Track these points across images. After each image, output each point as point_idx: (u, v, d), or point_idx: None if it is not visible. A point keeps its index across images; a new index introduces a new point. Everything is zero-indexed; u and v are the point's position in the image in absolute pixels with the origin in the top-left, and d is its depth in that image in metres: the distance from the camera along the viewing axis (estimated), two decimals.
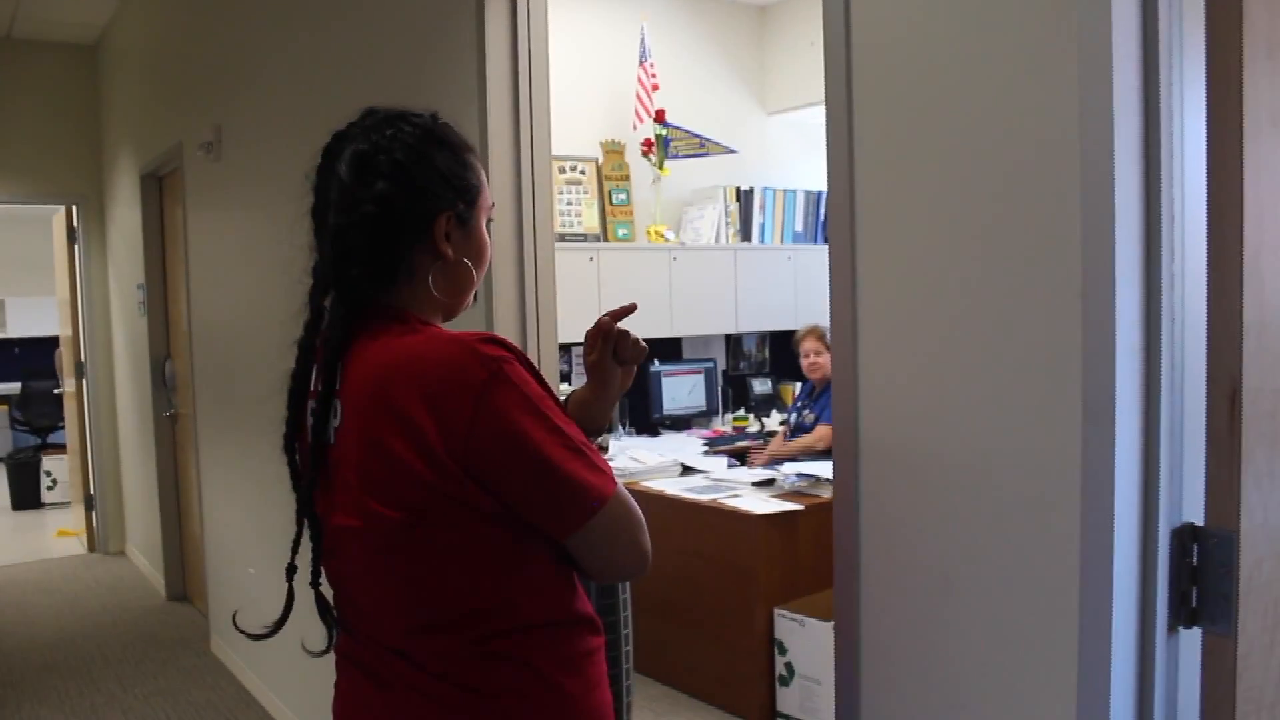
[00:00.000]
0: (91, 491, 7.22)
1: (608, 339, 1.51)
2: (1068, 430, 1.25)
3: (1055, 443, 1.27)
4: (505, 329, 2.43)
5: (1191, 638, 1.28)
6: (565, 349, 5.15)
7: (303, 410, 1.41)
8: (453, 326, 1.41)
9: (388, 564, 1.31)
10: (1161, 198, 1.20)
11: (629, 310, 1.54)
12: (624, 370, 1.54)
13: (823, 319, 5.79)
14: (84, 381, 7.14)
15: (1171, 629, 1.27)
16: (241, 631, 1.49)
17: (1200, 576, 1.26)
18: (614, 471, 1.34)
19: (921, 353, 1.44)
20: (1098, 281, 1.20)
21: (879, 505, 1.51)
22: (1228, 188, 1.23)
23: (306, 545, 1.39)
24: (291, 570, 1.43)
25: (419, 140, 1.38)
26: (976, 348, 1.36)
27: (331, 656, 1.45)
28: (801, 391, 5.33)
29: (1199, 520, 1.27)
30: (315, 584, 1.38)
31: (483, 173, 1.44)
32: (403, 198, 1.35)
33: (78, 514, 7.50)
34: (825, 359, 5.02)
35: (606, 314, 1.52)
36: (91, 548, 7.25)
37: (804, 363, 5.11)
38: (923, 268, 1.43)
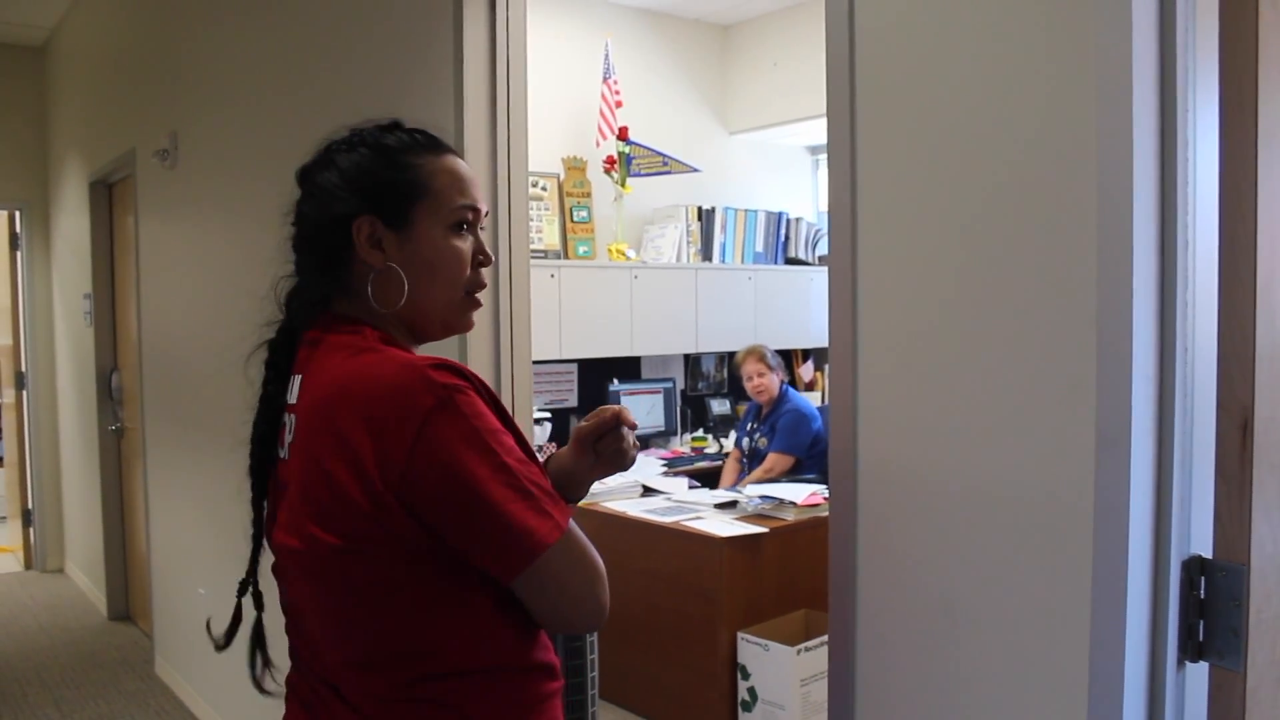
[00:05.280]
0: (29, 506, 6.99)
1: (602, 425, 1.42)
2: (1079, 456, 1.23)
3: (1066, 468, 1.25)
4: (478, 346, 2.37)
5: (1198, 672, 1.26)
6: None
7: (276, 423, 1.35)
8: (437, 350, 1.34)
9: (323, 591, 1.26)
10: (1177, 223, 1.19)
11: (629, 425, 1.43)
12: (598, 463, 1.44)
13: (782, 340, 5.79)
14: (24, 392, 6.93)
15: (1179, 663, 1.24)
16: (210, 635, 1.45)
17: (1207, 610, 1.24)
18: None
19: (925, 374, 1.41)
20: (1115, 307, 1.18)
21: (878, 530, 1.47)
22: (1241, 215, 1.22)
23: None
24: (245, 586, 1.39)
25: (338, 148, 1.36)
26: (985, 370, 1.33)
27: (283, 685, 1.40)
28: (748, 413, 5.27)
29: (1206, 552, 1.25)
30: (258, 606, 1.36)
31: (447, 174, 1.34)
32: (311, 207, 1.35)
33: (14, 529, 7.26)
34: (769, 379, 4.99)
35: (623, 412, 1.42)
36: (28, 565, 7.02)
37: (748, 385, 5.08)
38: (927, 286, 1.40)
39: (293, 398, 1.31)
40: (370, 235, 1.30)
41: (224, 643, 1.40)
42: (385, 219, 1.31)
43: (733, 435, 5.95)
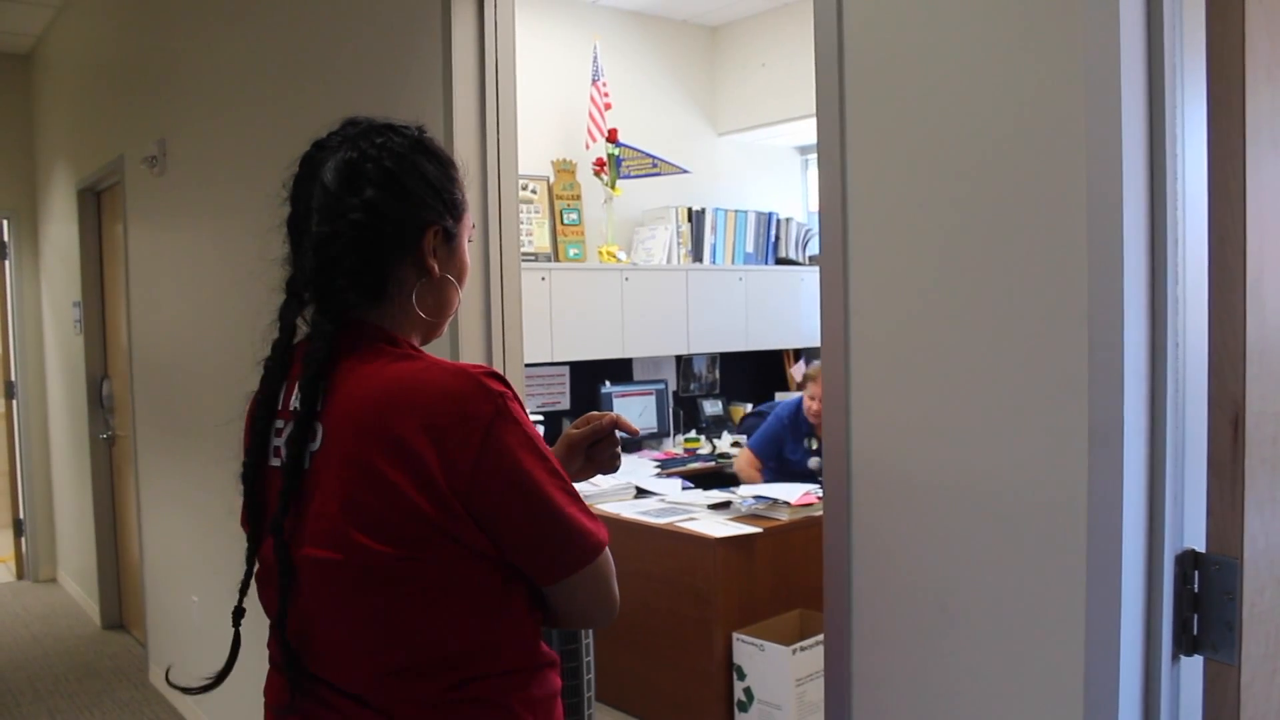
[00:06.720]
0: (21, 516, 6.97)
1: (598, 431, 1.53)
2: (1072, 452, 1.23)
3: (1059, 466, 1.25)
4: (470, 350, 2.37)
5: (1193, 666, 1.27)
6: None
7: (268, 434, 1.33)
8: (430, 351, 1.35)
9: (366, 601, 1.22)
10: (1167, 220, 1.19)
11: (630, 431, 1.60)
12: (587, 466, 1.57)
13: (773, 340, 5.77)
14: (14, 402, 6.91)
15: (1174, 657, 1.25)
16: (176, 687, 1.40)
17: (1201, 604, 1.25)
18: None
19: (918, 373, 1.41)
20: (1105, 304, 1.18)
21: (872, 529, 1.48)
22: (1230, 212, 1.22)
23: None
24: (239, 614, 1.34)
25: (409, 150, 1.33)
26: (977, 368, 1.34)
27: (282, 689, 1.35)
28: (797, 431, 4.84)
29: (1199, 546, 1.26)
30: (282, 626, 1.26)
31: (466, 192, 1.40)
32: (393, 206, 1.29)
33: (5, 539, 7.24)
34: None
35: (619, 419, 1.56)
36: (20, 575, 7.00)
37: (811, 404, 4.67)
38: (919, 284, 1.40)
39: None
40: (432, 243, 1.33)
41: (219, 679, 1.36)
42: (446, 229, 1.34)
43: (725, 436, 5.95)
